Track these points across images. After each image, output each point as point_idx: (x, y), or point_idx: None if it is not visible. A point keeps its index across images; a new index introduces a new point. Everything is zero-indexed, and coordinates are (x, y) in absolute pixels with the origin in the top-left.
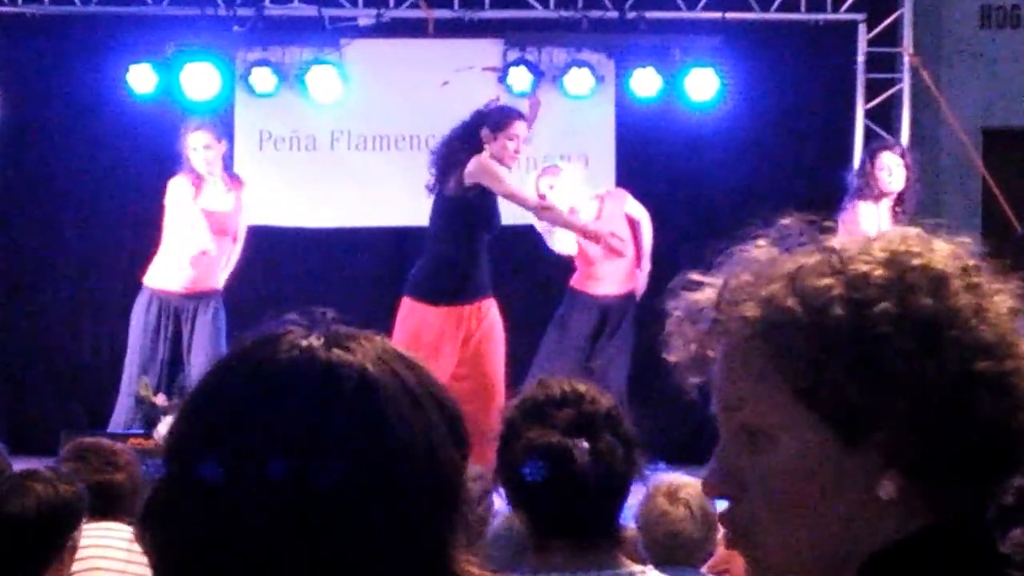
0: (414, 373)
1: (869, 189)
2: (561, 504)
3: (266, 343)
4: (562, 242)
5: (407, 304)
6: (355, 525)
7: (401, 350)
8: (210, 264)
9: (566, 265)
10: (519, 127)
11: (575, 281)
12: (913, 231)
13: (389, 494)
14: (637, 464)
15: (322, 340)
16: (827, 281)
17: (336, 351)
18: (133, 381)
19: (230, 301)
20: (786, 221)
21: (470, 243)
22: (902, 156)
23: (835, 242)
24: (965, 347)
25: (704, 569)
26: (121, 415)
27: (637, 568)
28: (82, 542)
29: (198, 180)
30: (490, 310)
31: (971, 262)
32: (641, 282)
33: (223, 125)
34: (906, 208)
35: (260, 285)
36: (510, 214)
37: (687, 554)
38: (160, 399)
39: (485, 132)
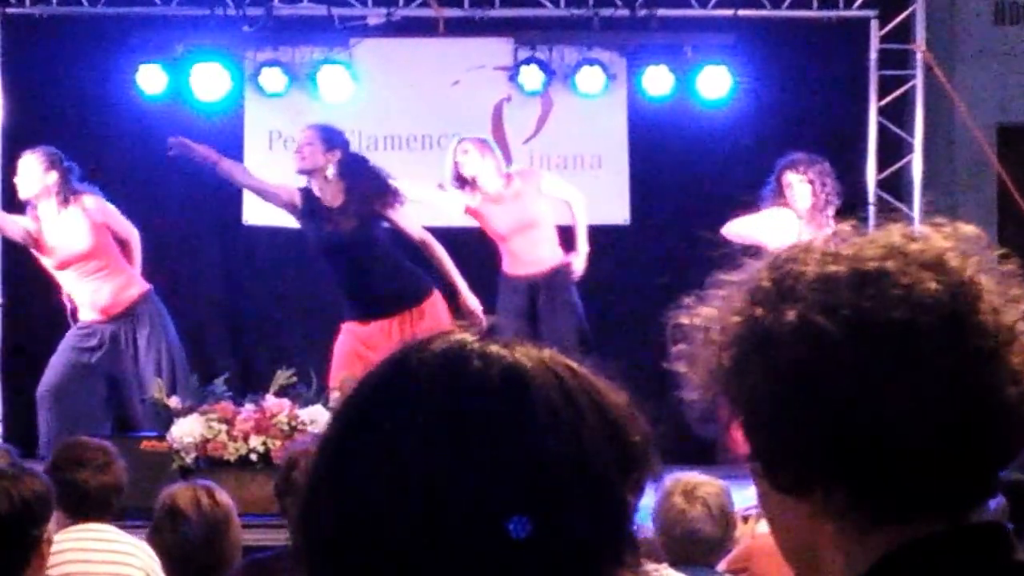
0: (579, 380)
1: (780, 206)
2: None
3: (419, 343)
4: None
5: (342, 329)
6: (492, 508)
7: (572, 362)
8: (116, 283)
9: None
10: (301, 133)
11: (503, 266)
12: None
13: (528, 486)
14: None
15: (477, 337)
16: (735, 319)
17: (491, 345)
18: (52, 400)
19: (238, 301)
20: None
21: (329, 267)
22: (804, 172)
23: (759, 267)
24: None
25: (722, 568)
26: (50, 430)
27: (652, 567)
28: (59, 546)
29: (33, 211)
30: (421, 319)
31: (872, 269)
32: (578, 261)
33: (62, 160)
34: (821, 223)
35: (269, 284)
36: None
37: (705, 553)
38: (174, 401)
39: None
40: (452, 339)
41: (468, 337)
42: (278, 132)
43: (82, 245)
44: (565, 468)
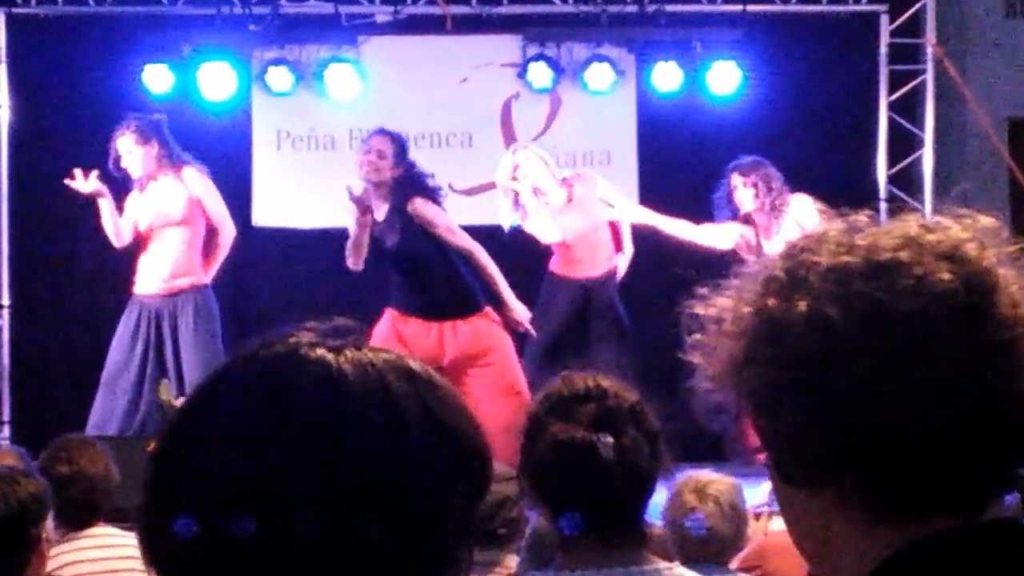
0: (416, 388)
1: (731, 208)
2: (586, 500)
3: (256, 348)
4: (543, 230)
5: (385, 313)
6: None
7: (418, 369)
8: (180, 260)
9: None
10: (373, 139)
11: (554, 265)
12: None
13: (328, 493)
14: (662, 459)
15: (313, 341)
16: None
17: (319, 350)
18: (107, 386)
19: (248, 303)
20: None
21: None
22: (747, 175)
23: (775, 257)
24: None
25: (734, 566)
26: (97, 417)
27: (663, 565)
28: (57, 560)
29: (140, 183)
30: (465, 331)
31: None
32: (622, 264)
33: (152, 124)
34: (770, 226)
35: (279, 287)
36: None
37: (716, 551)
38: (180, 403)
39: None
40: (285, 343)
41: (302, 341)
42: (286, 132)
43: (173, 213)
44: (373, 477)
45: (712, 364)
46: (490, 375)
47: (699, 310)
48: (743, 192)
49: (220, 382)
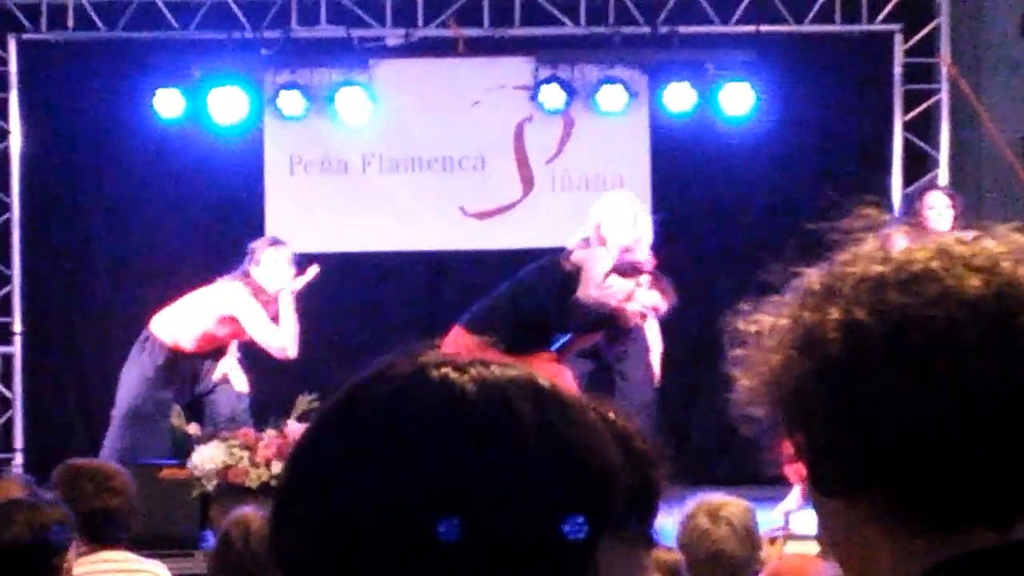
0: (541, 410)
1: (912, 223)
2: None
3: (389, 372)
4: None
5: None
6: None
7: (549, 388)
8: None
9: None
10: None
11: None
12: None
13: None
14: (662, 462)
15: (433, 360)
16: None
17: (473, 367)
18: (136, 421)
19: None
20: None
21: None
22: (951, 198)
23: (813, 272)
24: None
25: None
26: (111, 445)
27: None
28: None
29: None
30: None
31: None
32: (655, 361)
33: None
34: None
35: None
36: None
37: (731, 573)
38: (193, 428)
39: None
40: (411, 363)
41: (429, 360)
42: (299, 157)
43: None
44: (476, 496)
45: (750, 377)
46: None
47: (740, 326)
48: (945, 213)
49: (346, 406)
